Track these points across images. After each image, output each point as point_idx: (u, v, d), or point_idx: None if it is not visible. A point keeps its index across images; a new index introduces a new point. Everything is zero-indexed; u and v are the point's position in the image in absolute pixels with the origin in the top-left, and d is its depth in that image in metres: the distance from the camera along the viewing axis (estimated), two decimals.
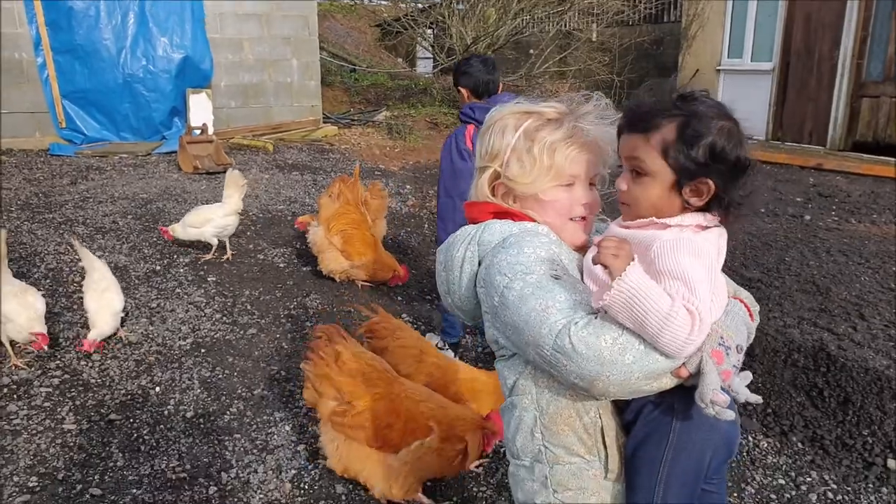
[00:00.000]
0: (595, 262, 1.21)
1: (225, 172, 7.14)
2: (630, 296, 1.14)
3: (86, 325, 3.86)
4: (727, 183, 1.23)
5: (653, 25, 12.44)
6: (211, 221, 4.71)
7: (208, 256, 4.86)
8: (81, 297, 4.18)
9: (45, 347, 3.42)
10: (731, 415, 1.17)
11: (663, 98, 1.26)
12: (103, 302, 3.61)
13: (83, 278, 4.41)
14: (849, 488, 2.73)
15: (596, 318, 1.19)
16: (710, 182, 1.23)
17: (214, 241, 4.81)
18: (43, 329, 3.41)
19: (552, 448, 1.35)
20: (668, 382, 1.20)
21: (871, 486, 2.74)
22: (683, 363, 1.18)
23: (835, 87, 9.01)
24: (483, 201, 1.46)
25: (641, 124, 1.25)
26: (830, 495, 2.70)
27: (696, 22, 10.91)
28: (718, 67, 10.57)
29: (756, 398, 1.26)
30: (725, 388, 1.20)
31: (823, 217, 6.19)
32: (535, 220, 1.42)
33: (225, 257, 4.87)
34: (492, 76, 3.32)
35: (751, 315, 1.36)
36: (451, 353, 3.65)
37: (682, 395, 1.25)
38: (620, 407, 1.36)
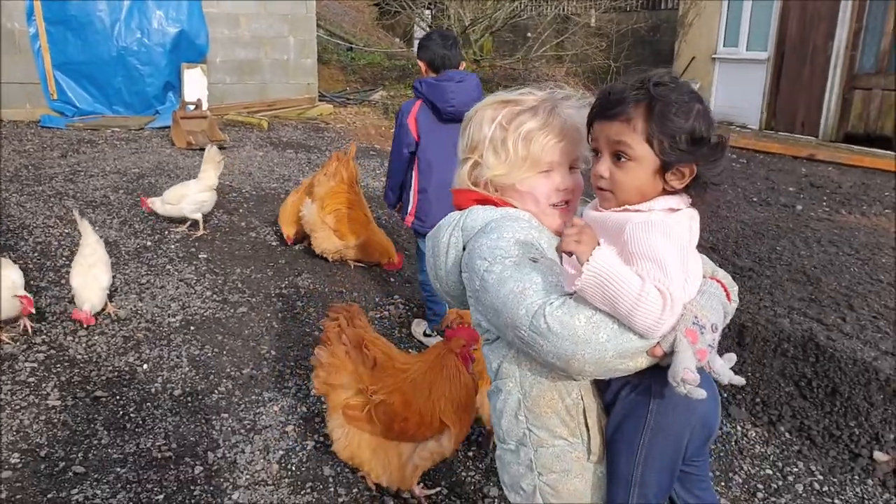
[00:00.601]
0: (559, 250, 1.21)
1: (220, 148, 7.12)
2: (600, 279, 1.15)
3: (72, 301, 3.82)
4: (707, 164, 1.26)
5: (650, 12, 12.37)
6: (186, 197, 4.70)
7: (200, 232, 4.82)
8: (69, 272, 4.15)
9: (33, 310, 3.39)
10: (701, 394, 1.17)
11: (636, 84, 1.26)
12: (89, 277, 3.57)
13: (71, 253, 4.37)
14: (835, 479, 2.75)
15: (571, 298, 1.21)
16: (693, 165, 1.26)
17: (198, 216, 4.79)
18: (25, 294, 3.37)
19: (536, 431, 1.37)
20: (644, 362, 1.21)
21: (856, 477, 2.75)
22: (658, 342, 1.19)
23: (828, 78, 9.02)
24: (466, 189, 1.49)
25: (619, 111, 1.25)
26: (817, 486, 2.71)
27: (692, 10, 10.85)
28: (714, 56, 10.53)
29: (739, 380, 1.27)
30: (705, 368, 1.21)
31: (815, 207, 6.20)
32: (516, 207, 1.44)
33: (198, 234, 4.83)
34: (449, 51, 3.29)
35: (728, 296, 1.36)
36: (439, 338, 3.65)
37: (659, 377, 1.26)
38: (600, 388, 1.38)
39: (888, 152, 8.04)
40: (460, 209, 1.47)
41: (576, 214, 1.47)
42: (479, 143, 1.45)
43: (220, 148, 7.15)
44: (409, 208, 3.45)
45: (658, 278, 1.16)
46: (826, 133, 9.11)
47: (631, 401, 1.32)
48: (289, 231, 4.72)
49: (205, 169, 4.78)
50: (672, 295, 1.16)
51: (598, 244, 1.17)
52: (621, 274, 1.15)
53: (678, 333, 1.19)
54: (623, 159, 1.26)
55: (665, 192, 1.28)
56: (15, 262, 3.52)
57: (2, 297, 3.32)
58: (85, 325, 3.54)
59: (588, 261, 1.15)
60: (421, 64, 3.38)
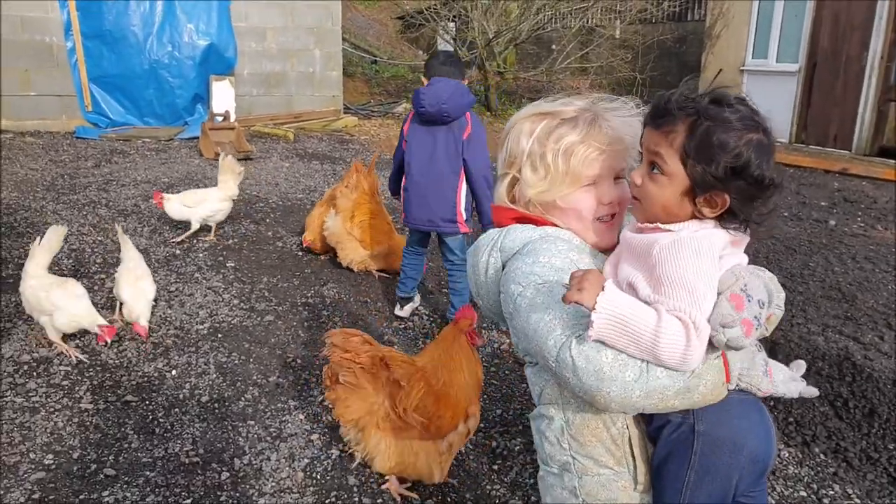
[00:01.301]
0: (565, 301, 1.15)
1: (247, 159, 7.23)
2: (612, 323, 1.10)
3: (106, 307, 3.89)
4: (745, 200, 1.16)
5: (676, 24, 12.30)
6: (205, 203, 4.77)
7: (211, 237, 4.92)
8: (103, 278, 4.24)
9: (108, 340, 3.43)
10: (743, 342, 1.11)
11: (695, 98, 1.18)
12: (137, 290, 3.60)
13: (104, 260, 4.46)
14: (872, 503, 2.66)
15: None
16: (726, 196, 1.16)
17: (197, 225, 4.85)
18: (103, 321, 3.41)
19: (580, 459, 1.33)
20: (678, 404, 1.16)
21: (895, 501, 2.67)
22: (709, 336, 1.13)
23: (862, 90, 8.84)
24: (506, 207, 1.44)
25: (666, 121, 1.19)
26: None
27: (720, 21, 10.75)
28: (742, 68, 10.41)
29: (812, 391, 1.22)
30: (761, 388, 1.18)
31: (849, 223, 6.07)
32: (557, 225, 1.38)
33: (209, 237, 4.91)
34: (445, 66, 3.56)
35: None
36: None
37: (703, 417, 1.22)
38: (644, 418, 1.33)
39: None
40: (500, 227, 1.42)
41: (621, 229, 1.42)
42: (517, 158, 1.40)
43: (248, 159, 7.28)
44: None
45: (682, 306, 1.11)
46: (860, 146, 8.93)
47: (674, 440, 1.26)
48: (314, 240, 4.76)
49: (224, 179, 4.86)
50: (696, 323, 1.10)
51: (603, 288, 1.11)
52: (634, 313, 1.10)
53: (722, 299, 1.12)
54: (656, 171, 1.21)
55: (695, 217, 1.20)
56: (50, 267, 3.58)
57: (76, 315, 3.36)
58: (145, 339, 3.56)
59: (595, 308, 1.10)
60: (423, 79, 3.64)
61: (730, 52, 10.60)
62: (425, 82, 3.59)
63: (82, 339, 3.58)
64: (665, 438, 1.27)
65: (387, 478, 2.61)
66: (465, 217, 3.66)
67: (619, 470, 1.32)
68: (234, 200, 4.94)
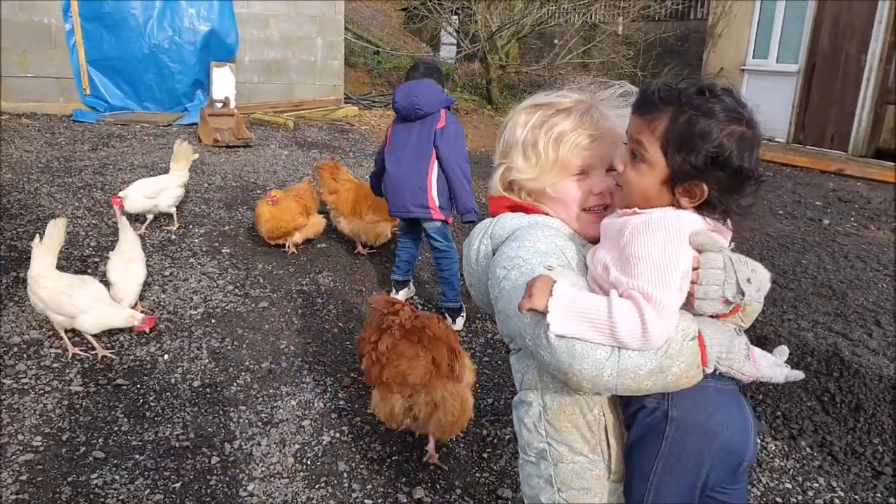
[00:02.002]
0: (521, 310, 1.16)
1: (245, 146, 7.21)
2: (568, 320, 1.12)
3: None
4: (724, 191, 1.16)
5: (678, 22, 12.27)
6: (166, 191, 4.77)
7: (175, 226, 4.88)
8: (96, 262, 4.24)
9: (148, 329, 3.45)
10: (773, 370, 1.15)
11: (680, 87, 1.17)
12: (128, 272, 3.58)
13: (98, 244, 4.46)
14: (856, 497, 2.69)
15: None
16: (705, 187, 1.16)
17: (174, 210, 4.86)
18: (139, 314, 3.37)
19: (556, 445, 1.33)
20: (651, 385, 1.16)
21: (879, 495, 2.69)
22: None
23: (860, 92, 8.83)
24: (500, 196, 1.45)
25: (650, 109, 1.18)
26: (838, 502, 2.66)
27: (722, 20, 10.74)
28: (743, 67, 10.40)
29: (797, 374, 1.20)
30: (746, 374, 1.17)
31: (842, 222, 6.09)
32: (547, 214, 1.40)
33: (174, 227, 4.88)
34: (427, 75, 3.76)
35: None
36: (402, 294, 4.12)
37: (676, 402, 1.21)
38: (622, 405, 1.33)
39: None
40: (494, 216, 1.43)
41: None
42: (511, 148, 1.41)
43: (247, 146, 7.26)
44: None
45: (641, 284, 1.11)
46: (856, 148, 8.94)
47: (647, 424, 1.25)
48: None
49: (179, 166, 4.89)
50: (652, 298, 1.10)
51: (551, 292, 1.13)
52: (585, 306, 1.12)
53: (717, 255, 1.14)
54: (637, 159, 1.21)
55: (672, 205, 1.20)
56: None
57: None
58: (149, 330, 3.50)
59: (546, 310, 1.12)
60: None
61: (731, 51, 10.59)
62: None
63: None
64: (639, 422, 1.26)
65: (427, 448, 2.75)
66: (437, 203, 3.72)
67: (594, 458, 1.32)
68: (185, 186, 5.00)
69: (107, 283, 3.50)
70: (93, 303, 3.22)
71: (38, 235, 3.32)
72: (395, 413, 2.59)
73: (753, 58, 10.35)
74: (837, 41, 9.14)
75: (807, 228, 5.80)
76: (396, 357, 2.52)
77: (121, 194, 4.54)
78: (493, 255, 1.37)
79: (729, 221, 1.21)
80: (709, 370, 1.18)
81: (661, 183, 1.19)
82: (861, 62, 8.81)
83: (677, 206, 1.20)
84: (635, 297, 1.11)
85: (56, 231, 3.33)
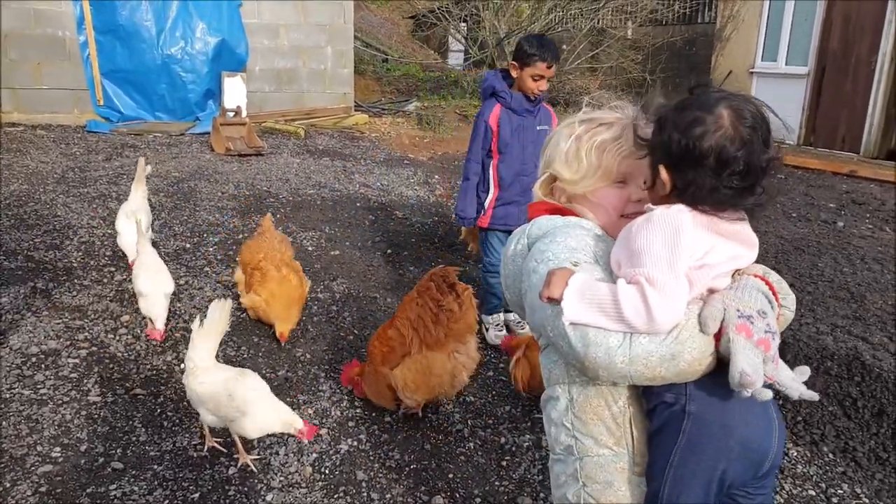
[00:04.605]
0: (541, 298, 1.26)
1: (257, 155, 7.25)
2: (579, 305, 1.21)
3: (114, 300, 3.92)
4: (678, 170, 1.25)
5: (686, 26, 12.25)
6: (143, 209, 4.32)
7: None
8: (112, 271, 4.26)
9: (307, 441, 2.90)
10: (767, 394, 1.17)
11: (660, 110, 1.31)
12: (157, 283, 3.52)
13: (113, 253, 4.48)
14: (881, 503, 2.65)
15: None
16: (662, 168, 1.26)
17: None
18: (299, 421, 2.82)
19: (581, 438, 1.36)
20: (664, 372, 1.20)
21: None
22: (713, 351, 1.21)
23: (871, 93, 8.77)
24: (539, 201, 1.54)
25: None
26: None
27: (730, 23, 10.71)
28: (752, 70, 10.36)
29: (811, 394, 1.22)
30: (768, 376, 1.18)
31: (857, 224, 6.03)
32: (584, 217, 1.47)
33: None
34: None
35: (775, 296, 1.32)
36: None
37: (695, 397, 1.24)
38: (645, 401, 1.35)
39: None
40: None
41: None
42: (555, 158, 1.49)
43: (259, 154, 7.30)
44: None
45: (643, 270, 1.19)
46: (868, 149, 8.87)
47: (665, 417, 1.28)
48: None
49: (140, 186, 4.42)
50: (653, 278, 1.17)
51: (567, 283, 1.22)
52: (596, 292, 1.21)
53: (730, 334, 1.17)
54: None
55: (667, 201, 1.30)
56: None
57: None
58: (160, 341, 3.49)
59: (562, 297, 1.21)
60: None
61: (739, 54, 10.55)
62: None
63: (91, 330, 3.60)
64: (657, 416, 1.30)
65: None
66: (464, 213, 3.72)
67: (619, 451, 1.34)
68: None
69: (134, 296, 3.48)
70: (253, 403, 2.61)
71: (198, 317, 2.77)
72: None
73: (763, 60, 10.31)
74: (848, 42, 9.09)
75: (821, 231, 5.74)
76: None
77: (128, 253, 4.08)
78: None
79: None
80: (723, 348, 1.20)
81: (651, 181, 1.33)
82: (872, 63, 8.75)
83: (667, 200, 1.28)
84: (639, 281, 1.19)
85: (220, 314, 2.71)
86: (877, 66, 8.69)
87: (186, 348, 3.48)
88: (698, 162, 1.22)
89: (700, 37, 11.82)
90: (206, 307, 3.92)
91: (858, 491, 2.72)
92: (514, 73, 3.47)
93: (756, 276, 1.32)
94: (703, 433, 1.25)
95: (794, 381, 1.24)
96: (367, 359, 3.08)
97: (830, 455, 2.92)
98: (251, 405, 2.58)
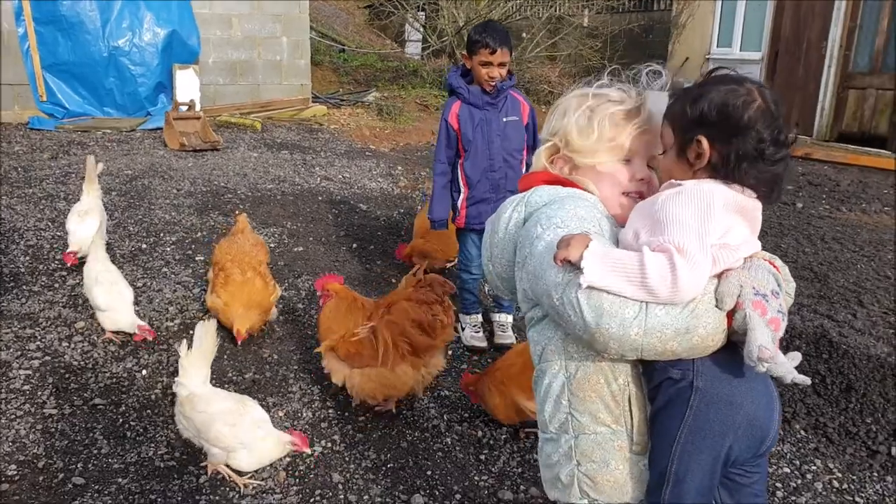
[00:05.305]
0: (556, 260, 1.23)
1: (213, 150, 7.02)
2: (601, 267, 1.17)
3: (67, 305, 3.73)
4: (721, 141, 1.24)
5: (642, 13, 12.39)
6: (97, 209, 4.17)
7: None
8: (63, 276, 4.05)
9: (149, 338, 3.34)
10: (788, 369, 1.16)
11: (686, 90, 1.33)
12: (114, 296, 3.36)
13: (62, 250, 4.26)
14: (854, 476, 2.70)
15: None
16: (703, 139, 1.25)
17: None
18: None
19: (578, 416, 1.34)
20: (676, 346, 1.19)
21: (875, 474, 2.71)
22: (728, 317, 1.20)
23: (822, 78, 9.02)
24: (536, 171, 1.51)
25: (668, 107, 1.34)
26: (836, 483, 2.66)
27: (686, 11, 10.88)
28: (707, 56, 10.55)
29: (804, 379, 1.22)
30: (767, 360, 1.18)
31: (815, 205, 6.19)
32: (586, 190, 1.44)
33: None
34: None
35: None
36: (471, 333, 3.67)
37: (702, 372, 1.24)
38: (645, 380, 1.34)
39: (887, 152, 8.04)
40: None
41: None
42: (562, 128, 1.46)
43: (214, 149, 7.07)
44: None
45: (672, 238, 1.17)
46: (820, 132, 9.12)
47: (671, 394, 1.28)
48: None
49: (91, 187, 4.25)
50: (682, 248, 1.15)
51: (587, 245, 1.19)
52: (619, 256, 1.19)
53: (747, 310, 1.17)
54: (663, 151, 1.36)
55: (696, 174, 1.29)
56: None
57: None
58: (151, 338, 3.37)
59: (582, 258, 1.17)
60: None
61: (695, 40, 10.72)
62: None
63: (43, 338, 3.42)
64: (663, 391, 1.29)
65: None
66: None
67: (617, 429, 1.33)
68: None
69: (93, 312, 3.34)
70: (253, 435, 2.52)
71: (184, 341, 2.61)
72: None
73: (718, 46, 10.50)
74: (799, 28, 9.30)
75: (782, 212, 5.87)
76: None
77: (72, 248, 3.97)
78: (524, 222, 1.40)
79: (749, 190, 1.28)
80: (737, 324, 1.20)
81: (677, 154, 1.31)
82: (822, 49, 8.98)
83: (696, 172, 1.28)
84: (667, 248, 1.16)
85: (206, 334, 2.55)
86: (827, 51, 8.93)
87: (147, 354, 3.36)
88: (743, 130, 1.22)
89: (657, 24, 11.95)
90: (167, 310, 3.78)
91: (831, 466, 2.76)
92: (467, 65, 3.37)
93: (768, 261, 1.32)
94: (711, 409, 1.25)
95: (788, 365, 1.23)
96: (318, 336, 3.06)
97: (802, 432, 2.96)
98: (252, 436, 2.50)
